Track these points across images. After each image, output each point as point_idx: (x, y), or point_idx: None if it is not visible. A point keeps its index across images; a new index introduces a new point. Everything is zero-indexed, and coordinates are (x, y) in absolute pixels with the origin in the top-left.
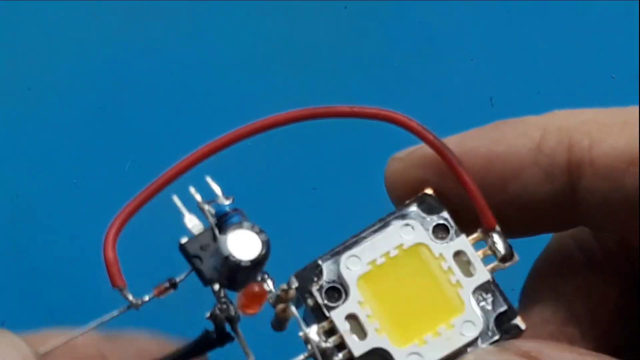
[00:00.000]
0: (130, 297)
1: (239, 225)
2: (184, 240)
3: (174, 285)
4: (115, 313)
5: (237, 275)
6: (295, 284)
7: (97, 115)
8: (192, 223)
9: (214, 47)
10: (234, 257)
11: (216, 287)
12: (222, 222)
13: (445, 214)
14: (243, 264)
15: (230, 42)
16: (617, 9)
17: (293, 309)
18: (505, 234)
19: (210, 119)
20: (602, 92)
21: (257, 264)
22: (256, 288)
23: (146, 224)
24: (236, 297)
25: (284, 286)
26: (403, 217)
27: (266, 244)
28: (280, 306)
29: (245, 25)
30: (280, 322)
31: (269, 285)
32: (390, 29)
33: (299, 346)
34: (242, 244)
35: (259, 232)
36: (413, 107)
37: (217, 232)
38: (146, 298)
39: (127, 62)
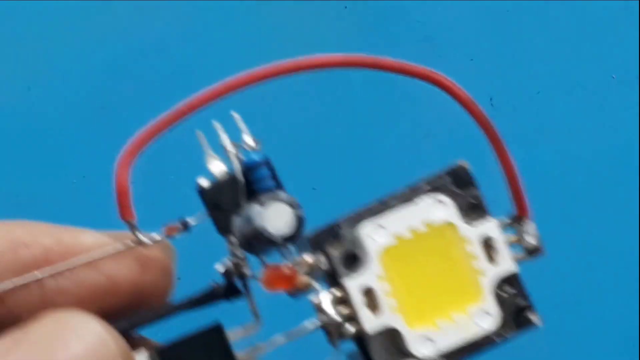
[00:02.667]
0: (138, 233)
1: (276, 196)
2: (204, 183)
3: (185, 226)
4: (120, 247)
5: (263, 247)
6: (324, 264)
7: (97, 115)
8: (215, 165)
9: (215, 47)
10: (267, 231)
11: (233, 239)
12: (249, 173)
13: (477, 192)
14: (275, 240)
15: (231, 42)
16: (617, 9)
17: (315, 283)
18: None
19: (211, 118)
20: (602, 92)
21: (289, 239)
22: (287, 271)
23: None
24: (263, 269)
25: (311, 260)
26: (435, 189)
27: (301, 220)
28: (304, 279)
29: (245, 26)
30: (298, 291)
31: (295, 259)
32: (390, 29)
33: (308, 311)
34: (277, 217)
35: (296, 206)
36: (413, 107)
37: (241, 181)
38: (155, 236)
39: (127, 62)
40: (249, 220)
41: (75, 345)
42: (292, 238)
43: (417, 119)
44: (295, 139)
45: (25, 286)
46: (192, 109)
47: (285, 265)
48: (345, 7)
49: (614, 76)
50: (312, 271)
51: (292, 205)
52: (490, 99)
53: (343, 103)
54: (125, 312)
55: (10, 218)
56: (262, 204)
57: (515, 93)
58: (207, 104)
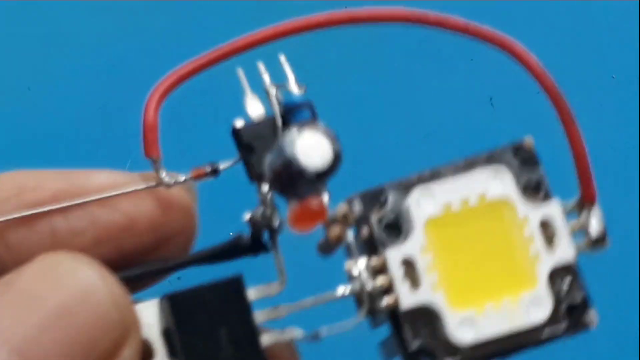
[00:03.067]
0: (163, 174)
1: (312, 124)
2: (239, 124)
3: (215, 171)
4: (141, 186)
5: (295, 183)
6: (359, 208)
7: (96, 115)
8: (253, 106)
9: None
10: (298, 162)
11: (265, 187)
12: (289, 114)
13: (541, 171)
14: (307, 173)
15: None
16: (617, 9)
17: (350, 235)
18: None
19: (209, 118)
20: (602, 92)
21: (322, 175)
22: (314, 204)
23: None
24: (288, 206)
25: (345, 208)
26: (494, 161)
27: (338, 155)
28: (335, 230)
29: (245, 26)
30: (328, 247)
31: (325, 201)
32: (390, 29)
33: (340, 278)
34: (311, 149)
35: (334, 139)
36: (413, 107)
37: (280, 123)
38: (181, 178)
39: (127, 62)
40: (280, 150)
41: (62, 290)
42: (326, 174)
43: (417, 119)
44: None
45: (33, 228)
46: (235, 50)
47: (314, 200)
48: (346, 7)
49: (614, 76)
50: (348, 221)
51: (329, 137)
52: (490, 99)
53: (342, 103)
54: (146, 255)
55: None
56: (296, 133)
57: (515, 93)
58: (250, 48)
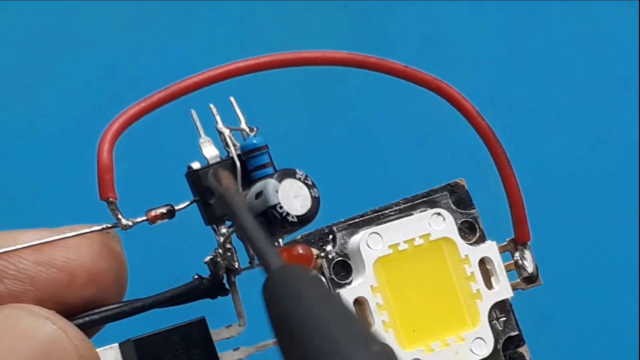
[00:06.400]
0: (119, 215)
1: (291, 173)
2: (196, 165)
3: (171, 212)
4: (96, 228)
5: (274, 228)
6: (333, 253)
7: (94, 115)
8: (208, 148)
9: (212, 49)
10: (282, 207)
11: (223, 230)
12: (247, 157)
13: (475, 212)
14: (290, 218)
15: (230, 43)
16: (617, 9)
17: (326, 271)
18: None
19: (208, 121)
20: (602, 92)
21: (303, 221)
22: (301, 250)
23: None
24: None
25: (321, 250)
26: (433, 203)
27: (317, 201)
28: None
29: (244, 26)
30: None
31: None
32: (390, 29)
33: None
34: (291, 195)
35: (311, 186)
36: (413, 107)
37: (239, 166)
38: (137, 220)
39: (125, 62)
40: (264, 196)
41: (25, 348)
42: (307, 220)
43: (418, 119)
44: (291, 138)
45: None
46: (185, 90)
47: (301, 246)
48: (345, 7)
49: (613, 76)
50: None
51: (308, 184)
52: (492, 99)
53: (343, 102)
54: (88, 307)
55: (9, 218)
56: (278, 180)
57: (516, 92)
58: (201, 87)
